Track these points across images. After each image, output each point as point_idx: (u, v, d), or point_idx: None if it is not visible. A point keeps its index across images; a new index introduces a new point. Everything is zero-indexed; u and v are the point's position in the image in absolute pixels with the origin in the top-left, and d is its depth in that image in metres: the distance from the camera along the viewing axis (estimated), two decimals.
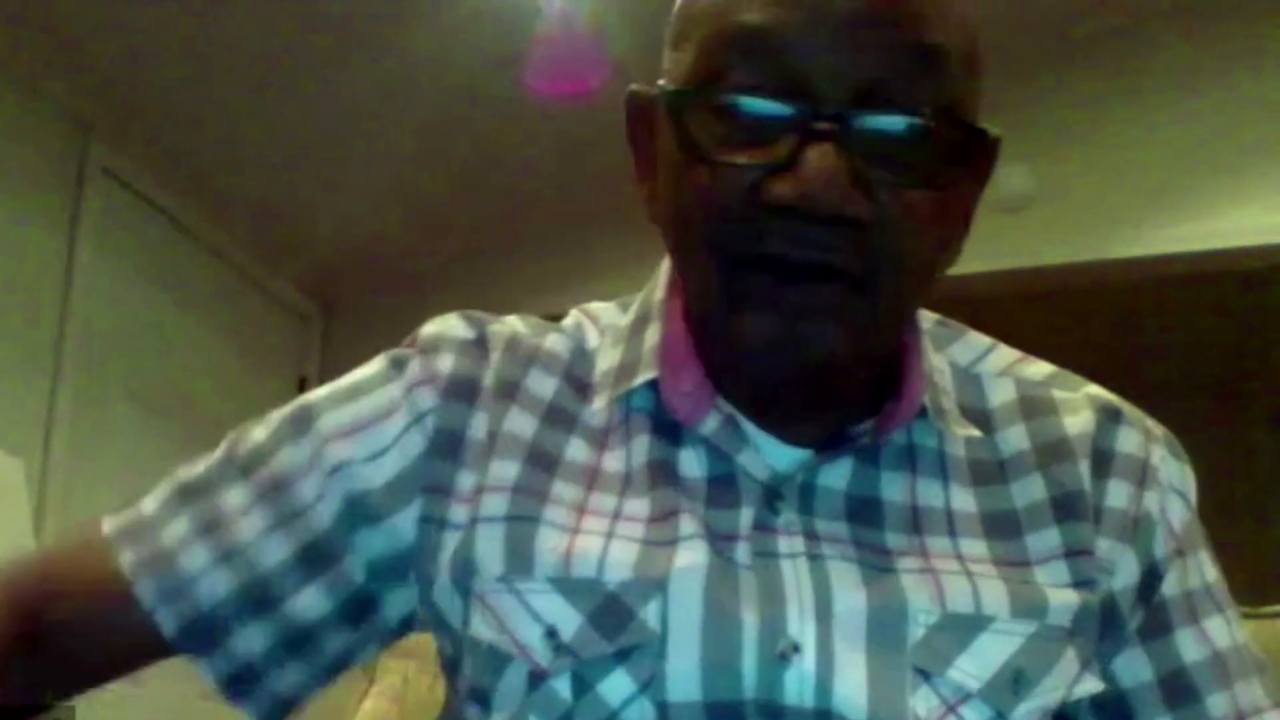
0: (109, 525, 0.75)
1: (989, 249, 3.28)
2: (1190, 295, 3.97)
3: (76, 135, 3.00)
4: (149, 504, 0.75)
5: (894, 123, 0.63)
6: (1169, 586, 0.74)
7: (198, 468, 0.76)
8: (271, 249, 3.67)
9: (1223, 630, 0.75)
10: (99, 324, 3.05)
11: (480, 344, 0.77)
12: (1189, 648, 0.74)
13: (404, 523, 0.73)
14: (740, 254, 0.65)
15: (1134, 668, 0.74)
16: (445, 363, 0.76)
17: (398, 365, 0.77)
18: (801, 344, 0.65)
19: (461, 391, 0.75)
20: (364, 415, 0.75)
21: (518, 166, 3.44)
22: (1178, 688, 0.73)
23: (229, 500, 0.73)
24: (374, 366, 0.78)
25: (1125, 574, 0.73)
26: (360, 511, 0.73)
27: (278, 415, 0.77)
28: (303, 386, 3.90)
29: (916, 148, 0.64)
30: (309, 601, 0.72)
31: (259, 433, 0.76)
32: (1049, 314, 4.07)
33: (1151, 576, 0.74)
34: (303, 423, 0.75)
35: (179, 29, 2.79)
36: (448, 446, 0.73)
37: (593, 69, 2.74)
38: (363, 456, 0.73)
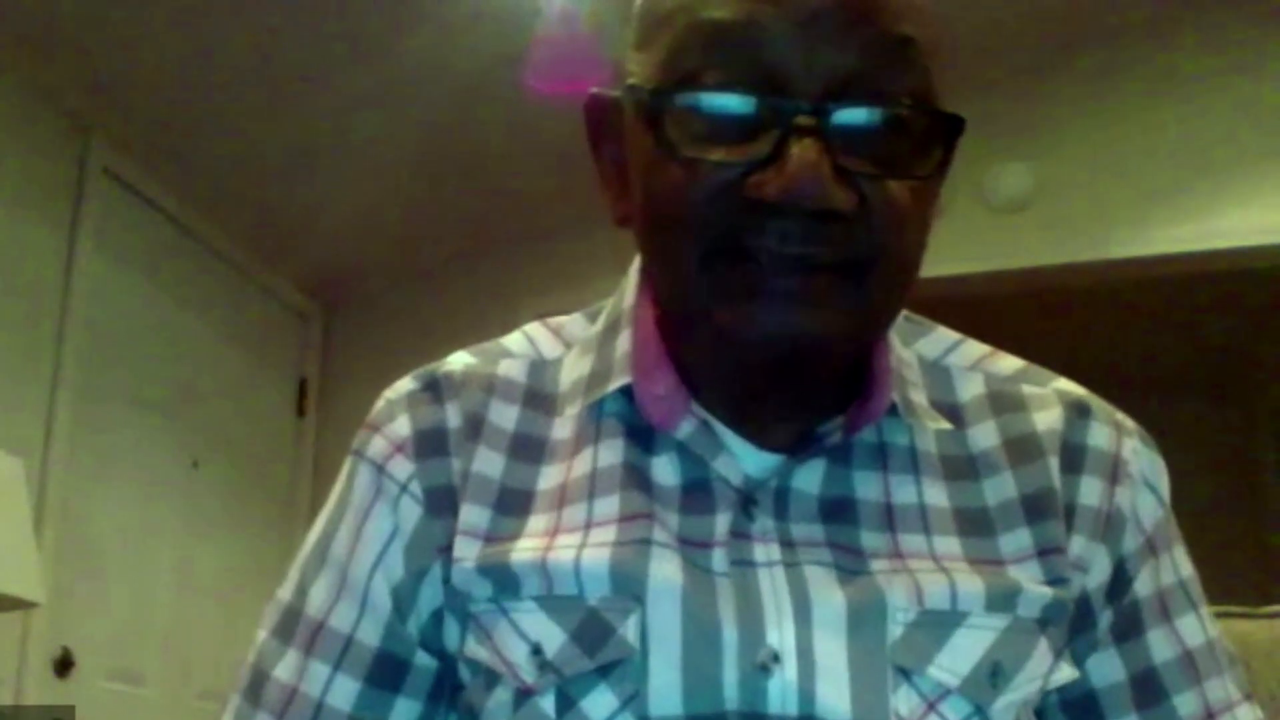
0: None
1: (989, 249, 3.30)
2: (1190, 295, 3.97)
3: (76, 135, 3.00)
4: (227, 718, 0.75)
5: (871, 115, 0.63)
6: (1142, 586, 0.74)
7: (249, 662, 0.76)
8: (271, 249, 3.67)
9: (1195, 628, 0.75)
10: (99, 324, 3.05)
11: (431, 389, 0.77)
12: (1160, 648, 0.74)
13: (432, 588, 0.73)
14: (719, 248, 0.65)
15: (1106, 669, 0.74)
16: (403, 425, 0.76)
17: (359, 454, 0.77)
18: (784, 329, 0.64)
19: (432, 445, 0.75)
20: (358, 517, 0.75)
21: (517, 166, 3.44)
22: (1147, 688, 0.74)
23: (284, 674, 0.74)
24: (343, 472, 0.78)
25: (1098, 572, 0.73)
26: (403, 601, 0.73)
27: (295, 565, 0.77)
28: (303, 386, 3.90)
29: (895, 138, 0.64)
30: (404, 713, 0.73)
31: (284, 593, 0.77)
32: (1049, 314, 4.08)
33: (1121, 573, 0.74)
34: (318, 558, 0.76)
35: (180, 29, 2.79)
36: (442, 503, 0.73)
37: (592, 69, 2.74)
38: (379, 553, 0.74)
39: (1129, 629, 0.74)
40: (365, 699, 0.72)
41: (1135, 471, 0.75)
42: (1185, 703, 0.74)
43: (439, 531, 0.73)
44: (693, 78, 0.64)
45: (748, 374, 0.70)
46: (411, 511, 0.73)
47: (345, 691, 0.72)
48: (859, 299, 0.65)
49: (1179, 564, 0.77)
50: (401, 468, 0.74)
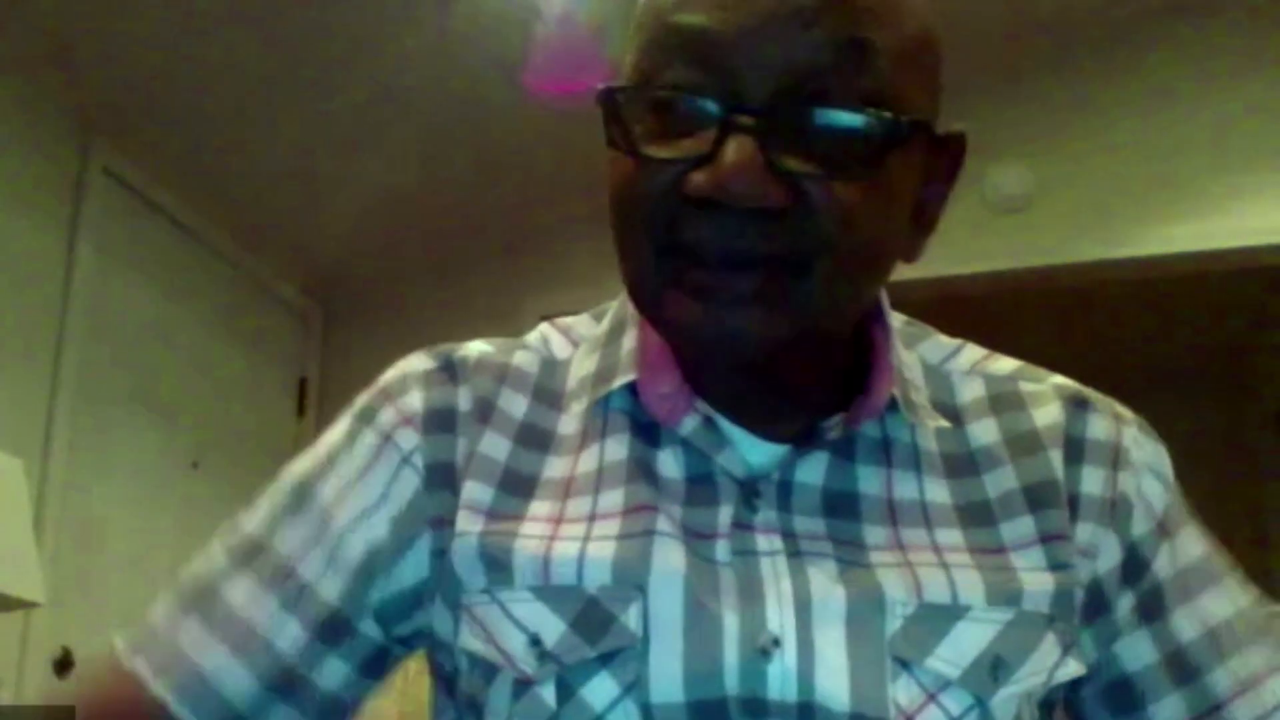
0: (123, 642, 0.74)
1: (989, 249, 3.30)
2: (1190, 295, 3.98)
3: (76, 135, 3.00)
4: (157, 615, 0.75)
5: (818, 115, 0.65)
6: (1160, 569, 0.75)
7: (197, 570, 0.76)
8: (271, 249, 3.67)
9: (1218, 603, 0.76)
10: (99, 324, 3.05)
11: (447, 370, 0.78)
12: (1185, 627, 0.75)
13: (417, 561, 0.74)
14: (666, 243, 0.67)
15: (1137, 650, 0.75)
16: (416, 400, 0.77)
17: (366, 416, 0.77)
18: (727, 331, 0.66)
19: (441, 422, 0.76)
20: (351, 474, 0.75)
21: (518, 168, 3.44)
22: (1180, 667, 0.75)
23: (235, 596, 0.73)
24: (342, 425, 0.78)
25: (1108, 556, 0.74)
26: (374, 567, 0.73)
27: (267, 498, 0.77)
28: (303, 386, 3.90)
29: (843, 139, 0.65)
30: (333, 674, 0.73)
31: (249, 522, 0.76)
32: (1049, 314, 4.08)
33: (1135, 558, 0.75)
34: (296, 499, 0.76)
35: (180, 30, 2.79)
36: (442, 478, 0.74)
37: (592, 70, 2.74)
38: (362, 513, 0.74)
39: (1154, 611, 0.75)
40: (305, 648, 0.72)
41: (1137, 459, 0.76)
42: (1218, 679, 0.75)
43: (432, 505, 0.74)
44: (651, 77, 0.67)
45: (709, 367, 0.72)
46: (409, 483, 0.74)
47: (290, 635, 0.72)
48: (802, 295, 0.66)
49: (1193, 543, 0.78)
50: (407, 439, 0.75)
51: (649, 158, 0.67)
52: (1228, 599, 0.77)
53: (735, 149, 0.63)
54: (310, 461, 0.78)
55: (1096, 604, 0.74)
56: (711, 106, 0.65)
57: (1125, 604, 0.75)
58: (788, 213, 0.64)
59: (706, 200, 0.64)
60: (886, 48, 0.66)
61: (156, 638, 0.73)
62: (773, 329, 0.66)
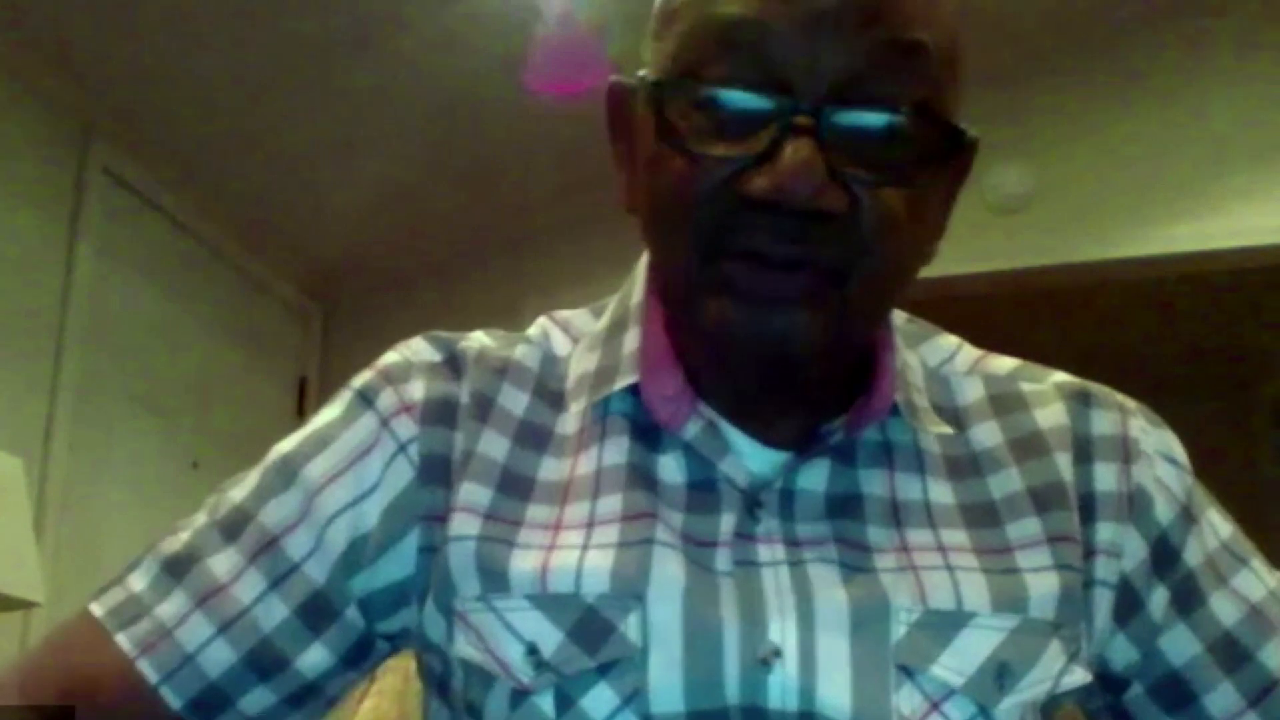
0: (99, 609, 0.73)
1: (989, 249, 3.30)
2: (1190, 295, 3.97)
3: (76, 135, 3.00)
4: (136, 581, 0.73)
5: (872, 118, 0.64)
6: (1191, 555, 0.74)
7: (180, 538, 0.74)
8: (272, 249, 3.67)
9: (1252, 582, 0.75)
10: (99, 324, 3.05)
11: (451, 364, 0.77)
12: (1226, 611, 0.74)
13: (404, 555, 0.72)
14: (715, 244, 0.65)
15: (1180, 644, 0.74)
16: (418, 389, 0.75)
17: (366, 399, 0.76)
18: (772, 331, 0.65)
19: (441, 415, 0.74)
20: (344, 456, 0.74)
21: (518, 167, 3.44)
22: (1228, 652, 0.74)
23: (219, 567, 0.72)
24: (339, 405, 0.76)
25: (1133, 553, 0.73)
26: (359, 556, 0.72)
27: (255, 472, 0.75)
28: (303, 386, 3.90)
29: (893, 145, 0.64)
30: (315, 658, 0.72)
31: (237, 493, 0.75)
32: (1048, 314, 4.08)
33: (1163, 546, 0.74)
34: (285, 475, 0.74)
35: (180, 30, 2.79)
36: (436, 472, 0.73)
37: (592, 69, 2.74)
38: (352, 499, 0.73)
39: (1191, 600, 0.74)
40: (287, 628, 0.71)
41: (1148, 448, 0.75)
42: (1271, 655, 0.74)
43: (424, 501, 0.72)
44: (698, 71, 0.65)
45: (739, 371, 0.70)
46: (403, 473, 0.73)
47: (273, 612, 0.71)
48: (840, 301, 0.65)
49: (1217, 526, 0.77)
50: (405, 428, 0.74)
51: (701, 155, 0.65)
52: (1260, 578, 0.76)
53: (794, 150, 0.62)
54: (302, 438, 0.76)
55: (1129, 603, 0.73)
56: (767, 105, 0.63)
57: (1159, 598, 0.74)
58: (840, 218, 0.63)
59: (761, 202, 0.63)
60: (936, 50, 0.65)
61: (136, 606, 0.72)
62: (818, 332, 0.65)
